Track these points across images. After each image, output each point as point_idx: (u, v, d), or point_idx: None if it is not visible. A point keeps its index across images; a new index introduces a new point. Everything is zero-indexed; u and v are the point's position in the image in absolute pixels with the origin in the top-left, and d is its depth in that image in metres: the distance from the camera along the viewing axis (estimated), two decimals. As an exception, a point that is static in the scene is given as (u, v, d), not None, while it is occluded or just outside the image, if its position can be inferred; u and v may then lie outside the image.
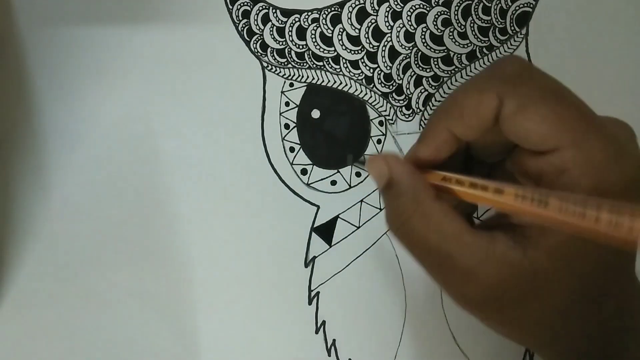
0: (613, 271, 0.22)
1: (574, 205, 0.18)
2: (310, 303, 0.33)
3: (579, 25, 0.34)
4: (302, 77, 0.34)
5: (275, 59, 0.34)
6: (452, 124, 0.23)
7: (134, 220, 0.34)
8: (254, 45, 0.34)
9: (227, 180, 0.34)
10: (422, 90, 0.34)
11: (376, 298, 0.33)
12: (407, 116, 0.34)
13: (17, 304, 0.33)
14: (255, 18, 0.34)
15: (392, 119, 0.32)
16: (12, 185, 0.34)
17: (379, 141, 0.34)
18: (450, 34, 0.34)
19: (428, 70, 0.34)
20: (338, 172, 0.34)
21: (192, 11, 0.35)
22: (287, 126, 0.34)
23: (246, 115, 0.34)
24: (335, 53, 0.34)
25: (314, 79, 0.34)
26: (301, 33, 0.34)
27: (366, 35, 0.34)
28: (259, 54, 0.34)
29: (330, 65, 0.34)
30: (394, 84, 0.34)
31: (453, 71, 0.34)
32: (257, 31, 0.34)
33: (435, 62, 0.34)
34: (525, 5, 0.34)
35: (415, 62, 0.34)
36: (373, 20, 0.34)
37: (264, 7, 0.34)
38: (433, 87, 0.34)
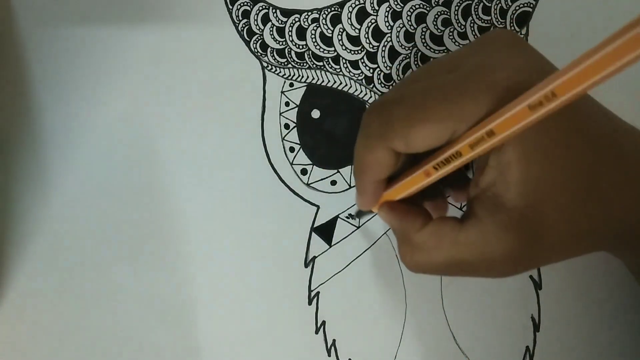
0: (579, 133, 0.22)
1: (523, 101, 0.19)
2: (310, 303, 0.33)
3: (578, 25, 0.34)
4: (302, 77, 0.34)
5: (275, 59, 0.34)
6: (369, 177, 0.25)
7: (134, 220, 0.34)
8: (254, 45, 0.34)
9: (227, 181, 0.34)
10: (422, 90, 0.34)
11: (376, 298, 0.33)
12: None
13: (17, 304, 0.33)
14: (255, 18, 0.34)
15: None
16: (12, 185, 0.34)
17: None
18: (450, 34, 0.34)
19: (428, 70, 0.34)
20: (338, 172, 0.34)
21: (192, 11, 0.35)
22: (287, 126, 0.34)
23: (246, 115, 0.34)
24: (335, 53, 0.34)
25: (314, 79, 0.34)
26: (301, 33, 0.34)
27: (366, 35, 0.34)
28: (259, 54, 0.34)
29: (330, 66, 0.34)
30: (394, 84, 0.34)
31: (453, 71, 0.34)
32: (257, 31, 0.34)
33: (435, 62, 0.34)
34: (525, 5, 0.34)
35: (415, 62, 0.34)
36: (373, 20, 0.34)
37: (264, 7, 0.34)
38: (433, 87, 0.34)
